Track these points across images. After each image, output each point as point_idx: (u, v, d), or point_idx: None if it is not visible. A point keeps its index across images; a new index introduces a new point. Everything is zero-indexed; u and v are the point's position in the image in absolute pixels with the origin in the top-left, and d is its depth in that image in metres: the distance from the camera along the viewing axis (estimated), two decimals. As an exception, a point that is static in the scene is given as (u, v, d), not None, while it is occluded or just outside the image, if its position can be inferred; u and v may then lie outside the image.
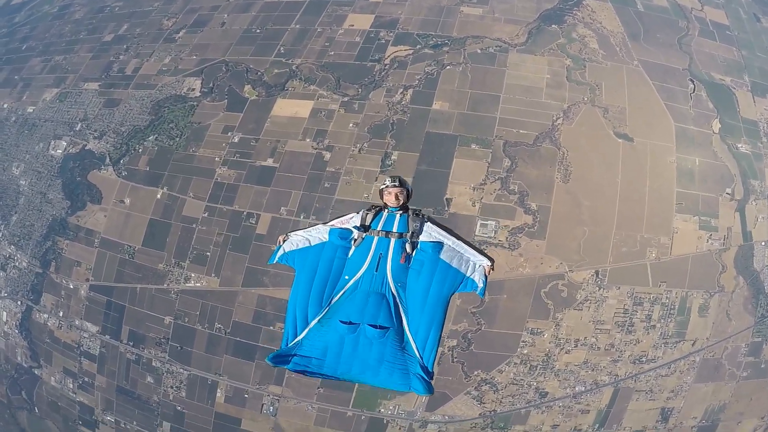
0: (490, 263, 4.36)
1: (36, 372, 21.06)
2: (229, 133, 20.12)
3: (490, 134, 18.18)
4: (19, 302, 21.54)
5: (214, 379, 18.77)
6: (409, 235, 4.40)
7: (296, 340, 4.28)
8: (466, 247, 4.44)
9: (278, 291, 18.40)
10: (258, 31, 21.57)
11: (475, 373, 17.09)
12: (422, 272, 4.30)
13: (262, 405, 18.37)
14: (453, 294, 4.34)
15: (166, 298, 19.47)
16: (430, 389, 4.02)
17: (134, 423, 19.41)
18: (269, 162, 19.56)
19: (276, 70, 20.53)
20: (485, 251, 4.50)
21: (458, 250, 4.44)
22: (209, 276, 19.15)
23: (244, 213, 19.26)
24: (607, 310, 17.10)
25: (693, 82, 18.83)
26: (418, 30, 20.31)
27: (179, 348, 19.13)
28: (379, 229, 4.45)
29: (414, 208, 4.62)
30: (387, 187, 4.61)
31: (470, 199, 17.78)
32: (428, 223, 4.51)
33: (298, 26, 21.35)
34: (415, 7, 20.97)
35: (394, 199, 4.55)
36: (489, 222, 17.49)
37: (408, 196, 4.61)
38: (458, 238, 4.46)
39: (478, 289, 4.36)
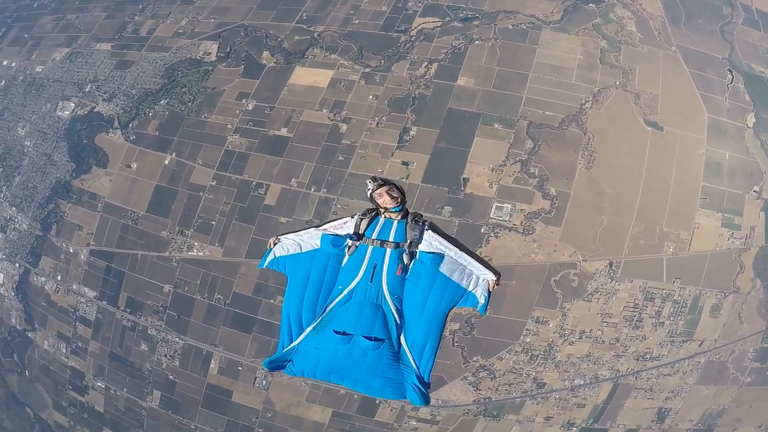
0: (495, 278, 4.45)
1: (29, 335, 23.02)
2: (244, 100, 21.95)
3: (514, 114, 19.62)
4: (17, 264, 23.63)
5: (209, 350, 20.49)
6: (406, 245, 4.44)
7: (292, 345, 4.46)
8: (470, 259, 4.48)
9: None
10: None
11: (475, 358, 18.41)
12: (419, 285, 4.38)
13: (255, 378, 19.95)
14: (452, 308, 4.46)
15: (167, 266, 21.27)
16: (426, 399, 4.24)
17: (124, 390, 21.18)
18: (283, 132, 21.28)
19: (297, 37, 22.31)
20: (491, 265, 4.52)
21: (460, 263, 4.48)
22: (213, 245, 20.89)
23: (254, 183, 20.98)
24: (616, 303, 18.27)
25: (732, 72, 19.75)
26: (448, 2, 21.64)
27: (177, 317, 20.89)
28: (374, 237, 4.49)
29: (414, 212, 4.62)
30: (373, 190, 4.63)
31: (488, 180, 19.24)
32: (429, 231, 4.52)
33: None
34: None
35: (389, 198, 4.58)
36: (505, 205, 18.88)
37: (402, 193, 4.65)
38: (462, 248, 4.53)
39: (479, 305, 4.44)
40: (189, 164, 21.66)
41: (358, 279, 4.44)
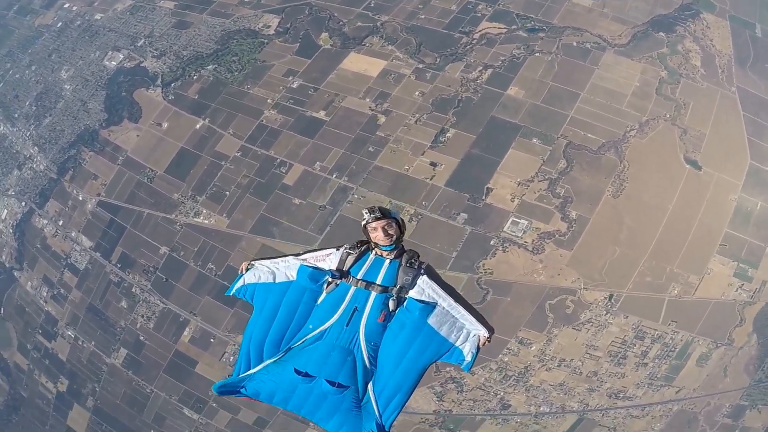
0: (487, 335, 5.18)
1: (15, 274, 30.76)
2: (291, 78, 30.09)
3: (555, 131, 26.06)
4: (23, 203, 31.76)
5: (186, 317, 26.83)
6: (395, 290, 5.11)
7: (248, 373, 5.26)
8: (464, 312, 5.18)
9: (284, 245, 26.81)
10: None
11: (447, 369, 22.86)
12: (401, 335, 5.12)
13: (224, 353, 26.34)
14: (434, 362, 5.28)
15: (170, 228, 28.45)
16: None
17: (92, 343, 27.95)
18: (321, 114, 28.92)
19: (359, 23, 30.86)
20: (486, 318, 5.24)
21: (452, 315, 5.18)
22: (220, 215, 28.02)
23: (278, 160, 28.37)
24: (605, 337, 24.01)
25: None
26: (519, 9, 30.63)
27: (164, 279, 27.70)
28: (359, 278, 5.13)
29: (411, 251, 5.37)
30: (368, 222, 5.24)
31: (511, 194, 25.46)
32: (424, 276, 5.19)
33: None
34: None
35: (382, 235, 5.18)
36: (522, 221, 25.21)
37: (401, 228, 5.35)
38: (457, 298, 5.23)
39: (464, 363, 5.19)
40: (219, 132, 29.58)
41: (333, 321, 5.07)
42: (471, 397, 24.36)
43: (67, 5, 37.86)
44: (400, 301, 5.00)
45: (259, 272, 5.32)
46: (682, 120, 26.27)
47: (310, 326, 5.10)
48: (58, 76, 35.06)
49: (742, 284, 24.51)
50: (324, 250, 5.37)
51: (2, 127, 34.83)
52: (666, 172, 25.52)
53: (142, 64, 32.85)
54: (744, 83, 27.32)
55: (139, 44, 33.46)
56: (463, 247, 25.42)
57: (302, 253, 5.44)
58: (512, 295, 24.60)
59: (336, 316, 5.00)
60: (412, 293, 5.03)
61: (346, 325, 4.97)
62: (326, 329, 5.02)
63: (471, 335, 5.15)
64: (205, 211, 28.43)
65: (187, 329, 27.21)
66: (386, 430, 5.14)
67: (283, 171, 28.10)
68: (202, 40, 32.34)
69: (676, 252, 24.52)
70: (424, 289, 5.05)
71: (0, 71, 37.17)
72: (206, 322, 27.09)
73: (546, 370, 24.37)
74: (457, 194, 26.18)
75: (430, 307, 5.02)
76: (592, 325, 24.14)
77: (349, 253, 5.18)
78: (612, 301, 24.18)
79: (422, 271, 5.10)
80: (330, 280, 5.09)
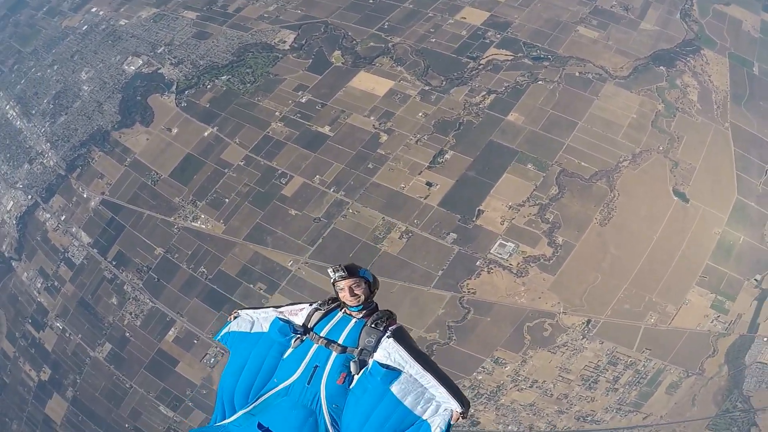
0: (460, 409, 5.89)
1: (13, 264, 40.47)
2: (300, 92, 39.31)
3: (551, 158, 34.04)
4: (29, 196, 41.94)
5: (173, 318, 35.45)
6: (357, 351, 6.15)
7: (223, 423, 6.47)
8: (434, 382, 6.01)
9: (275, 253, 35.10)
10: (371, 1, 41.67)
11: None
12: (363, 400, 6.03)
13: (206, 354, 34.36)
14: None
15: (168, 230, 37.55)
16: None
17: (79, 336, 36.83)
18: (326, 129, 37.83)
19: (372, 43, 40.11)
20: (461, 390, 6.04)
21: (420, 384, 6.03)
22: (217, 221, 36.93)
23: (279, 171, 37.25)
24: (579, 361, 30.99)
25: None
26: (526, 38, 38.92)
27: (156, 279, 36.52)
28: (321, 335, 6.30)
29: (382, 312, 6.51)
30: (335, 280, 6.36)
31: (501, 217, 33.21)
32: (390, 339, 6.15)
33: (411, 6, 41.72)
34: (534, 15, 39.77)
35: (349, 295, 6.32)
36: (509, 244, 32.69)
37: (371, 288, 6.50)
38: (428, 365, 6.11)
39: None
40: (226, 141, 38.89)
41: (295, 377, 6.21)
42: None
43: (94, 9, 48.64)
44: (362, 364, 6.05)
45: (242, 321, 6.80)
46: (674, 153, 34.16)
47: (275, 380, 6.31)
48: (78, 77, 45.44)
49: (718, 316, 31.89)
50: (299, 305, 6.70)
51: (18, 122, 45.21)
52: (654, 203, 33.15)
53: (159, 71, 42.79)
54: (737, 119, 35.50)
55: (158, 51, 43.62)
56: (450, 266, 32.91)
57: (282, 306, 6.79)
58: (492, 315, 31.76)
59: (297, 373, 6.16)
60: (378, 356, 6.07)
61: (308, 383, 6.07)
62: (289, 385, 6.18)
63: (441, 408, 5.97)
64: (203, 216, 36.77)
65: (172, 329, 35.15)
66: None
67: (283, 182, 36.45)
68: (220, 51, 42.14)
69: (656, 281, 31.79)
70: (389, 353, 6.04)
71: (23, 69, 48.51)
72: (192, 323, 34.87)
73: (518, 390, 31.39)
74: (449, 214, 33.85)
75: (394, 373, 5.98)
76: (567, 349, 31.21)
77: (317, 309, 6.48)
78: (589, 326, 31.32)
79: (388, 334, 6.12)
80: (297, 335, 6.39)
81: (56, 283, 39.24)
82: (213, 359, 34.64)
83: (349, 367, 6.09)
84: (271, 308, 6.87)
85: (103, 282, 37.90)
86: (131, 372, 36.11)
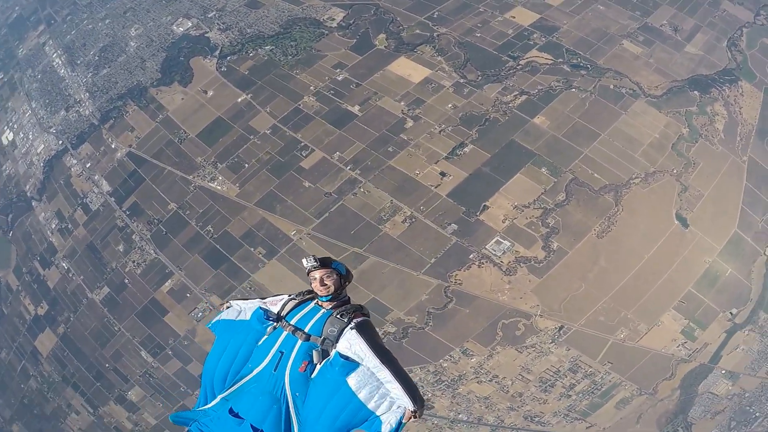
0: (413, 408, 7.37)
1: (33, 203, 52.77)
2: (338, 70, 49.72)
3: (566, 165, 42.63)
4: (60, 141, 54.38)
5: (172, 270, 46.26)
6: (320, 340, 7.89)
7: (204, 407, 8.48)
8: (391, 378, 7.52)
9: (281, 221, 45.07)
10: None
11: None
12: (322, 390, 7.72)
13: (195, 309, 44.42)
14: (354, 429, 7.71)
15: (184, 188, 48.50)
16: None
17: (81, 277, 48.31)
18: (355, 108, 47.78)
19: (418, 30, 50.15)
20: (418, 389, 7.56)
21: (377, 378, 7.60)
22: (233, 184, 47.42)
23: (302, 144, 47.55)
24: (542, 364, 39.09)
25: None
26: (570, 45, 47.32)
27: (164, 232, 47.75)
28: (291, 323, 8.15)
29: (353, 306, 8.28)
30: (308, 270, 8.24)
31: (504, 215, 41.89)
32: (353, 331, 7.75)
33: None
34: (583, 23, 48.48)
35: (319, 285, 8.12)
36: (505, 242, 40.72)
37: (342, 279, 8.34)
38: (387, 360, 7.64)
39: None
40: (257, 108, 49.82)
41: (264, 364, 8.04)
42: None
43: (154, -31, 59.68)
44: (326, 354, 7.80)
45: (231, 310, 8.94)
46: (686, 177, 41.74)
47: (250, 365, 8.23)
48: (127, 33, 56.46)
49: (685, 342, 39.62)
50: (281, 296, 8.72)
51: (63, 71, 56.24)
52: (654, 223, 40.86)
53: (206, 35, 53.48)
54: (757, 154, 43.07)
55: (209, 15, 54.27)
56: (443, 255, 41.30)
57: (268, 297, 8.96)
58: (472, 308, 39.94)
59: (266, 360, 8.03)
60: (340, 347, 7.75)
61: (274, 370, 7.92)
62: (259, 372, 8.08)
63: (395, 405, 7.57)
64: (220, 178, 46.23)
65: (169, 281, 44.57)
66: None
67: (304, 155, 45.72)
68: (268, 22, 52.39)
69: (636, 299, 39.48)
70: (351, 344, 7.69)
71: (75, 20, 60.03)
72: (188, 277, 43.94)
73: (477, 382, 39.58)
74: (454, 206, 42.27)
75: (353, 365, 7.63)
76: (534, 350, 39.20)
77: (293, 299, 8.48)
78: (561, 332, 39.15)
79: (352, 326, 7.82)
80: (271, 323, 8.27)
81: (70, 226, 49.82)
82: (200, 314, 43.74)
83: (311, 355, 7.83)
84: (258, 299, 8.84)
85: (114, 229, 48.02)
86: (122, 316, 45.98)
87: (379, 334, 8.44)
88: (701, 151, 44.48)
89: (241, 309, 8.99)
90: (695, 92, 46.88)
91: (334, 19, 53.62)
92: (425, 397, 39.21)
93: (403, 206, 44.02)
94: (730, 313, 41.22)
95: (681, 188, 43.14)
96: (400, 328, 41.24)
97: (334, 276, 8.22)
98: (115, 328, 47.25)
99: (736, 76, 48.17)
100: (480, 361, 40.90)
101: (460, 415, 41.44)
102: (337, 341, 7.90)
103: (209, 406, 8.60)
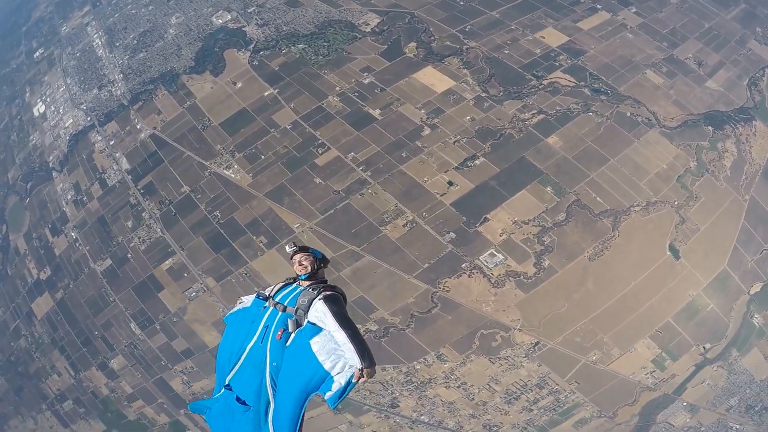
0: (361, 366, 9.58)
1: (54, 174, 62.56)
2: (365, 74, 58.00)
3: (571, 186, 49.51)
4: (89, 118, 64.04)
5: (174, 249, 54.89)
6: (294, 310, 10.46)
7: (216, 395, 10.88)
8: (346, 340, 9.87)
9: (287, 213, 52.84)
10: (462, 3, 61.38)
11: None
12: (295, 357, 10.15)
13: (189, 288, 52.67)
14: (313, 392, 9.98)
15: (200, 172, 57.12)
16: None
17: (87, 248, 57.18)
18: (376, 112, 55.79)
19: (448, 42, 58.26)
20: (370, 350, 9.86)
21: (335, 341, 10.01)
22: (246, 174, 55.56)
23: (319, 141, 55.97)
24: (511, 376, 46.31)
25: None
26: (594, 69, 55.28)
27: (173, 213, 56.50)
28: (276, 300, 10.81)
29: (324, 284, 11.10)
30: (290, 255, 11.39)
31: (503, 229, 49.17)
32: (320, 301, 10.34)
33: (498, 15, 59.49)
34: (610, 49, 56.51)
35: (298, 266, 11.21)
36: (499, 255, 47.91)
37: (319, 262, 11.46)
38: (345, 325, 10.09)
39: (328, 395, 9.76)
40: (282, 103, 58.44)
41: (254, 339, 10.58)
42: (371, 388, 47.39)
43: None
44: (297, 324, 10.42)
45: (242, 304, 11.79)
46: (686, 210, 48.55)
47: (244, 344, 10.85)
48: (167, 20, 66.34)
49: (654, 371, 46.40)
50: (280, 283, 11.57)
51: (101, 51, 66.20)
52: (647, 251, 47.62)
53: (244, 28, 62.80)
54: (759, 194, 49.93)
55: (249, 10, 63.69)
56: (437, 262, 48.47)
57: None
58: (455, 315, 47.05)
59: (256, 334, 10.67)
60: (310, 316, 10.35)
61: (261, 342, 10.51)
62: (251, 348, 10.71)
63: (347, 366, 9.74)
64: (236, 166, 54.57)
65: (170, 259, 52.96)
66: None
67: (319, 152, 53.82)
68: (305, 21, 61.43)
69: (614, 324, 46.36)
70: (317, 312, 10.29)
71: (120, 4, 70.48)
72: (189, 258, 52.22)
73: (445, 386, 46.87)
74: (456, 215, 49.56)
75: (317, 329, 10.20)
76: (506, 363, 46.24)
77: (281, 282, 11.39)
78: (536, 347, 46.08)
79: (319, 297, 10.43)
80: (267, 304, 10.99)
81: (85, 198, 59.32)
82: (194, 293, 52.14)
83: (287, 324, 10.45)
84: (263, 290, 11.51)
85: (126, 206, 57.05)
86: (119, 288, 55.05)
87: (345, 307, 10.94)
88: (705, 185, 51.61)
89: (245, 300, 11.87)
90: (709, 127, 54.22)
91: (368, 24, 62.88)
92: (395, 393, 47.12)
93: (407, 211, 51.66)
94: (704, 347, 48.17)
95: (679, 220, 50.24)
96: (381, 327, 49.01)
97: (311, 258, 11.51)
98: (111, 299, 56.74)
99: (752, 115, 55.80)
100: (452, 367, 48.38)
101: (423, 417, 49.32)
102: (308, 311, 10.51)
103: (220, 393, 11.20)
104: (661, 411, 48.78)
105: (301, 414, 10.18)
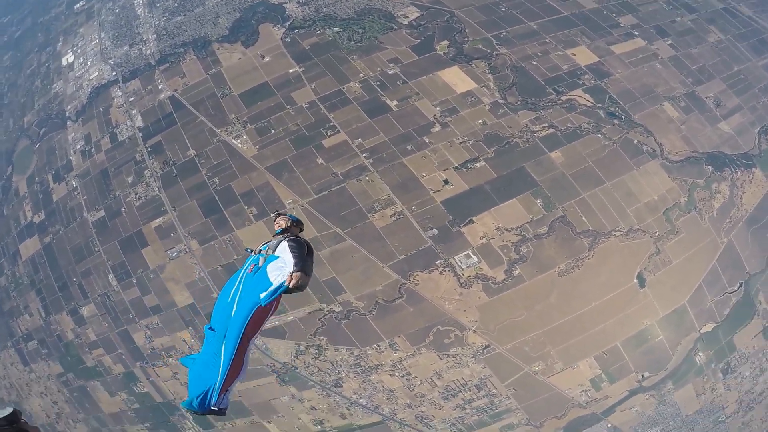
0: (291, 270, 13.69)
1: (68, 123, 73.81)
2: (392, 65, 67.43)
3: (560, 202, 57.54)
4: (114, 73, 75.23)
5: (167, 209, 64.65)
6: (266, 251, 14.91)
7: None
8: (289, 255, 14.07)
9: (282, 189, 61.73)
10: (503, 9, 70.57)
11: (322, 337, 56.85)
12: (253, 280, 14.59)
13: (173, 248, 62.34)
14: (255, 306, 14.24)
15: (209, 139, 66.58)
16: (195, 408, 14.30)
17: (84, 197, 67.36)
18: (393, 103, 64.74)
19: (480, 45, 67.10)
20: (309, 264, 14.22)
21: (285, 261, 14.17)
22: (253, 146, 65.36)
23: (329, 124, 65.51)
24: (454, 373, 55.77)
25: (740, 286, 55.20)
26: (615, 93, 63.70)
27: (174, 174, 66.84)
28: (257, 248, 15.25)
29: (292, 233, 15.97)
30: (274, 219, 16.71)
31: (484, 233, 57.26)
32: (285, 241, 14.64)
33: (535, 26, 68.39)
34: (635, 76, 64.93)
35: (276, 225, 16.33)
36: (474, 257, 56.49)
37: (293, 223, 16.41)
38: (295, 246, 14.46)
39: (263, 295, 14.00)
40: (304, 83, 68.23)
41: (237, 281, 14.73)
42: (320, 366, 56.48)
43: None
44: (266, 259, 14.38)
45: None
46: (664, 243, 56.49)
47: (226, 288, 14.49)
48: None
49: (590, 390, 55.00)
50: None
51: (140, 10, 76.90)
52: (615, 276, 55.64)
53: (285, 5, 72.73)
54: (737, 239, 57.78)
55: None
56: (414, 255, 57.17)
57: None
58: (417, 308, 55.59)
59: (240, 277, 14.48)
60: (276, 252, 14.40)
61: (239, 281, 14.44)
62: (228, 287, 14.47)
63: (285, 273, 13.50)
64: (244, 137, 64.07)
65: (160, 218, 62.49)
66: (213, 400, 14.06)
67: (328, 134, 62.86)
68: (345, 6, 70.83)
69: (565, 339, 54.56)
70: (280, 248, 14.27)
71: None
72: (179, 219, 61.60)
73: (390, 374, 55.45)
74: (444, 213, 58.03)
75: (276, 257, 14.18)
76: (453, 360, 54.92)
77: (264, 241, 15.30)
78: (485, 350, 54.45)
79: (284, 240, 14.52)
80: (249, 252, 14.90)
81: (93, 150, 69.69)
82: (176, 253, 61.87)
83: (258, 261, 14.45)
84: None
85: (131, 162, 67.18)
86: (106, 239, 65.24)
87: (306, 251, 14.62)
88: (689, 222, 59.97)
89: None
90: (709, 167, 62.56)
91: (407, 17, 72.33)
92: (342, 374, 58.68)
93: (397, 202, 60.53)
94: (642, 375, 56.57)
95: (655, 251, 58.60)
96: (345, 310, 58.36)
97: (287, 218, 16.13)
98: (95, 249, 67.31)
99: (753, 162, 63.90)
100: (402, 357, 57.27)
101: (361, 400, 58.49)
102: (275, 250, 14.42)
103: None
104: (585, 429, 57.67)
105: (245, 321, 14.26)
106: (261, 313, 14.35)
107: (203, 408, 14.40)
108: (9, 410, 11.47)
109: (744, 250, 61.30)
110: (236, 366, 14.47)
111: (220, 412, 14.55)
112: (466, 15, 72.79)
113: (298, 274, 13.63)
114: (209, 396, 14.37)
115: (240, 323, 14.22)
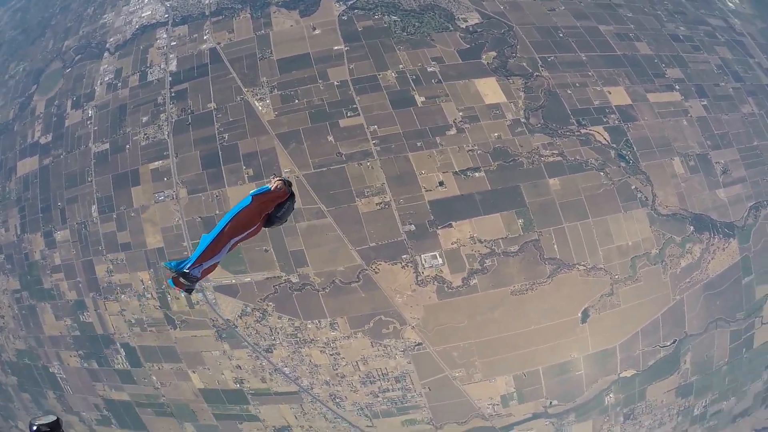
0: (279, 178, 25.61)
1: (105, 55, 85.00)
2: (433, 63, 77.04)
3: (540, 227, 67.11)
4: (167, 15, 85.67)
5: (169, 154, 75.10)
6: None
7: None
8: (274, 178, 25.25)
9: (284, 156, 71.64)
10: (561, 35, 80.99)
11: (270, 303, 68.49)
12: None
13: (161, 192, 72.84)
14: (243, 205, 23.71)
15: (233, 96, 76.58)
16: (171, 265, 22.22)
17: (95, 128, 78.73)
18: (420, 99, 73.57)
19: (524, 64, 77.38)
20: (291, 189, 26.00)
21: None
22: (273, 111, 74.44)
23: (353, 106, 74.89)
24: (380, 363, 67.62)
25: (674, 342, 66.15)
26: (633, 138, 73.53)
27: (187, 122, 77.00)
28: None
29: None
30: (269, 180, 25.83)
31: (458, 239, 66.48)
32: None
33: (584, 57, 77.64)
34: (659, 126, 74.48)
35: (269, 183, 25.37)
36: (439, 260, 66.59)
37: (284, 182, 25.58)
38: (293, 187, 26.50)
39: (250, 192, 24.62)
40: (343, 62, 78.63)
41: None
42: (258, 329, 67.76)
43: None
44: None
45: None
46: (619, 287, 65.27)
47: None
48: None
49: (497, 405, 64.58)
50: None
51: None
52: (562, 306, 64.71)
53: None
54: (689, 299, 66.68)
55: None
56: (384, 245, 66.77)
57: None
58: (368, 294, 65.63)
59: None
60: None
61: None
62: (222, 221, 22.13)
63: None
64: (267, 101, 74.49)
65: (159, 161, 73.40)
66: (185, 268, 21.10)
67: (348, 115, 72.97)
68: None
69: (493, 354, 63.96)
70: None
71: None
72: (177, 166, 72.26)
73: (320, 350, 66.22)
74: (427, 212, 67.20)
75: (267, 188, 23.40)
76: (384, 350, 65.35)
77: None
78: (416, 347, 64.90)
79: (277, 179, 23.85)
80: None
81: (119, 84, 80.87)
82: (162, 197, 72.50)
83: (251, 198, 22.27)
84: None
85: (150, 102, 77.87)
86: (102, 171, 76.02)
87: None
88: (650, 273, 69.15)
89: None
90: (690, 227, 71.80)
91: (466, 21, 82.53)
92: (276, 341, 73.16)
93: (388, 192, 69.89)
94: (550, 402, 65.96)
95: (608, 292, 67.70)
96: (301, 282, 68.53)
97: (279, 181, 23.60)
98: (89, 179, 78.42)
99: (734, 233, 73.14)
100: (337, 337, 67.50)
101: (285, 369, 68.98)
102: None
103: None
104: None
105: (229, 217, 20.41)
106: (245, 220, 21.43)
107: (178, 268, 20.53)
108: (53, 417, 15.93)
109: (690, 311, 71.09)
110: (213, 249, 20.77)
111: (191, 278, 20.64)
112: (523, 32, 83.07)
113: (281, 181, 21.54)
114: (184, 262, 20.76)
115: (224, 220, 21.30)
